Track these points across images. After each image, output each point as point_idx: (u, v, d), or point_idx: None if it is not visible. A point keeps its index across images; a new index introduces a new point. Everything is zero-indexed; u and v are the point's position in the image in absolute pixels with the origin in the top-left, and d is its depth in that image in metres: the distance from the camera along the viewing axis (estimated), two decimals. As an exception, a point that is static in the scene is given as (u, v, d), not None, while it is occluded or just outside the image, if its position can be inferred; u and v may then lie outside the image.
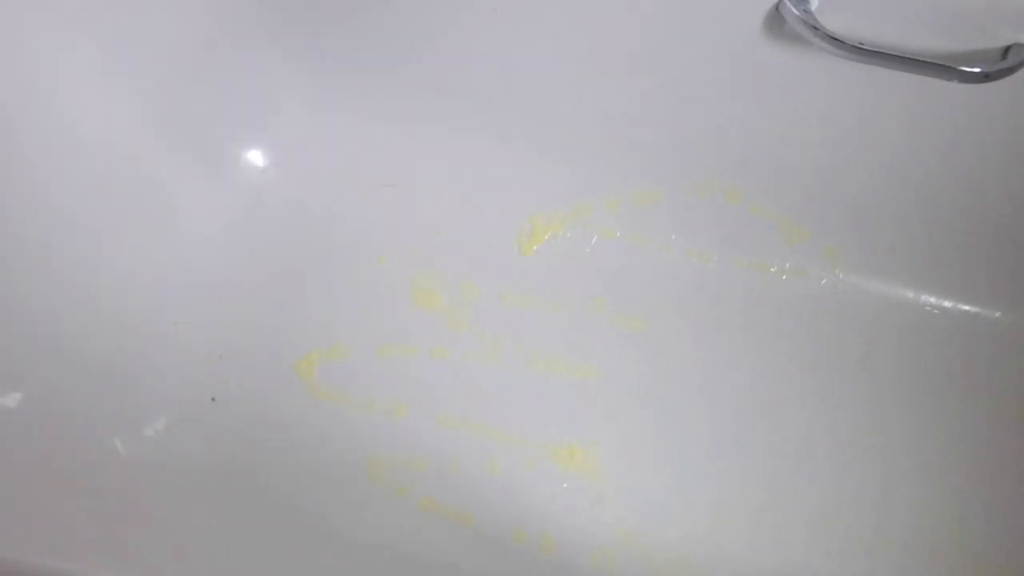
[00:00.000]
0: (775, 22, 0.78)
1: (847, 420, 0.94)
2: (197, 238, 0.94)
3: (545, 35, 0.86)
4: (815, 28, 0.74)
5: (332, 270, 0.97)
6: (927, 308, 0.98)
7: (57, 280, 0.83)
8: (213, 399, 0.90)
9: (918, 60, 0.74)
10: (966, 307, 0.98)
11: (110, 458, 0.82)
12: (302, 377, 0.92)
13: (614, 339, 0.96)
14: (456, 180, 0.99)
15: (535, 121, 0.95)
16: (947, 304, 0.98)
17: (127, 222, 0.89)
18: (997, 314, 0.98)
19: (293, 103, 0.96)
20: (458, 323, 0.96)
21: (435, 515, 0.87)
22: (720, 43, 0.82)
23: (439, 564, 0.84)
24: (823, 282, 0.99)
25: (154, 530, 0.77)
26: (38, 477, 0.75)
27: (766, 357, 0.96)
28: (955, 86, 0.76)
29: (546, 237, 0.99)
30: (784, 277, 0.99)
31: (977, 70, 0.74)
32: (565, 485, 0.90)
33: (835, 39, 0.74)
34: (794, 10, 0.75)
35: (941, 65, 0.74)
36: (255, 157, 0.98)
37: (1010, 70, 0.74)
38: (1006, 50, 0.75)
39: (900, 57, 0.74)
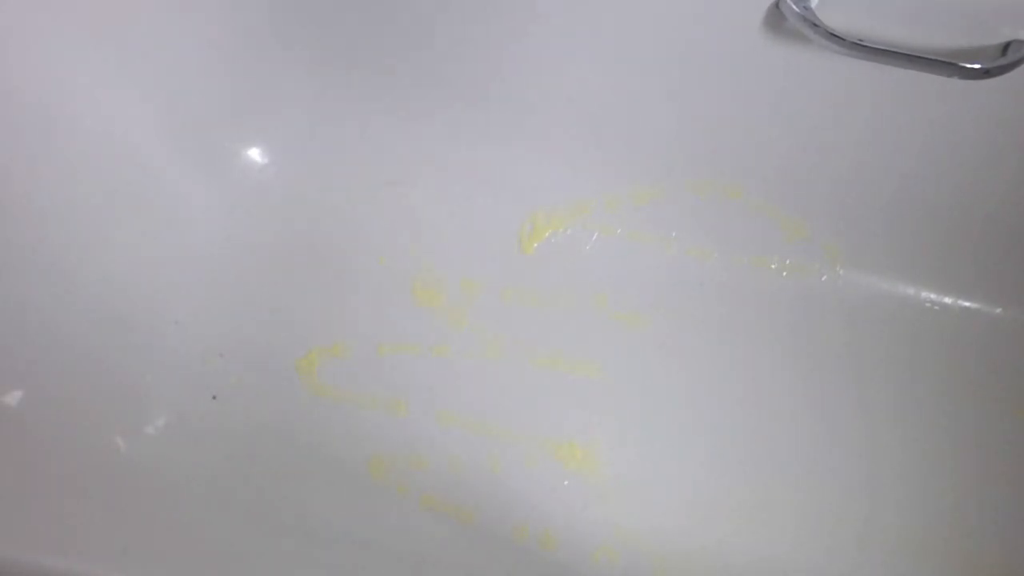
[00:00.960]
0: (775, 19, 0.78)
1: (849, 416, 0.94)
2: (198, 237, 0.94)
3: (545, 34, 0.86)
4: (815, 25, 0.74)
5: (333, 268, 0.97)
6: (927, 304, 0.98)
7: (57, 279, 0.83)
8: (214, 397, 0.90)
9: (918, 57, 0.74)
10: (967, 303, 0.98)
11: (110, 457, 0.82)
12: (303, 375, 0.92)
13: (615, 336, 0.96)
14: (456, 178, 0.99)
15: (535, 118, 0.95)
16: (947, 300, 0.98)
17: (127, 221, 0.89)
18: (998, 310, 0.98)
19: (294, 102, 0.96)
20: (459, 321, 0.96)
21: (435, 512, 0.87)
22: (720, 40, 0.82)
23: (439, 561, 0.84)
24: (823, 279, 0.99)
25: (154, 530, 0.76)
26: (38, 477, 0.75)
27: (766, 353, 0.96)
28: (955, 82, 0.76)
29: (546, 235, 0.99)
30: (784, 274, 0.99)
31: (977, 66, 0.74)
32: (566, 482, 0.90)
33: (835, 36, 0.74)
34: (794, 7, 0.75)
35: (941, 61, 0.74)
36: (256, 155, 0.98)
37: (1010, 66, 0.74)
38: (1006, 46, 0.75)
39: (900, 54, 0.74)
